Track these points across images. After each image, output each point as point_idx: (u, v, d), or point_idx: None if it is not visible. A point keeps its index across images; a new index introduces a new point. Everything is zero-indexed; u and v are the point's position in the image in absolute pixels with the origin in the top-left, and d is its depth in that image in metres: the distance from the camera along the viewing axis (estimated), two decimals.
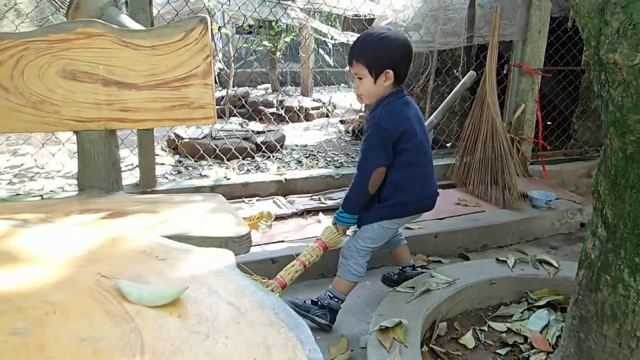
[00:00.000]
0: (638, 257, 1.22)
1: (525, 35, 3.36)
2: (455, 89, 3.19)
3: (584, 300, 1.37)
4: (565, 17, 3.74)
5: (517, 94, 3.45)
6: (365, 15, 3.83)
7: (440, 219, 2.65)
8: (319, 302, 1.89)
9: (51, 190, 2.85)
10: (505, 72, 3.47)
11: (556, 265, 1.99)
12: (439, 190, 2.79)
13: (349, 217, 1.89)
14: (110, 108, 1.60)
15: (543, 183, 3.26)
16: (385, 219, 1.87)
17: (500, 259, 2.04)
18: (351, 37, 3.69)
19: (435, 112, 3.18)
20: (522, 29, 3.36)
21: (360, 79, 1.82)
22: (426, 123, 3.15)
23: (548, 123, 4.25)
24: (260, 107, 6.20)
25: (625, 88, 1.13)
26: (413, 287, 1.81)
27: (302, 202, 2.84)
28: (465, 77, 3.18)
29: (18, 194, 2.58)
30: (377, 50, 1.77)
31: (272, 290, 1.84)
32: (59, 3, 2.11)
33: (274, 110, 6.54)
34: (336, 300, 1.88)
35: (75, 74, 1.56)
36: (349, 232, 2.05)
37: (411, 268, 2.15)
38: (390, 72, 1.77)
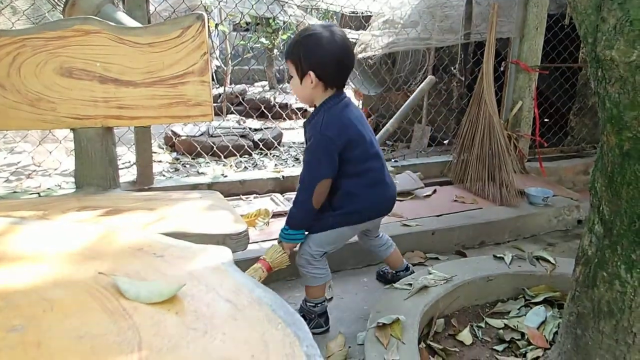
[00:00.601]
0: (634, 253, 1.23)
1: (522, 32, 3.37)
2: (413, 95, 3.20)
3: (580, 296, 1.37)
4: (563, 14, 3.74)
5: (514, 91, 3.45)
6: (362, 13, 3.83)
7: (438, 216, 2.65)
8: (305, 316, 1.84)
9: (48, 188, 2.84)
10: (502, 69, 3.48)
11: (553, 261, 2.00)
12: (436, 187, 2.79)
13: (295, 233, 1.75)
14: (107, 105, 1.60)
15: (540, 180, 3.27)
16: (339, 227, 1.77)
17: (498, 255, 2.05)
18: (348, 34, 3.68)
19: (391, 120, 3.18)
20: (519, 26, 3.36)
21: (291, 77, 1.73)
22: (381, 132, 3.17)
23: (545, 120, 4.26)
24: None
25: (622, 85, 1.13)
26: (410, 284, 1.82)
27: None
28: (423, 83, 3.18)
29: (15, 192, 2.58)
30: (302, 50, 1.65)
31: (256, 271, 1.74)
32: (56, 0, 2.10)
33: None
34: (317, 305, 1.84)
35: (72, 72, 1.55)
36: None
37: (404, 271, 2.10)
38: (312, 74, 1.64)
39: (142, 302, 0.62)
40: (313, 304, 1.84)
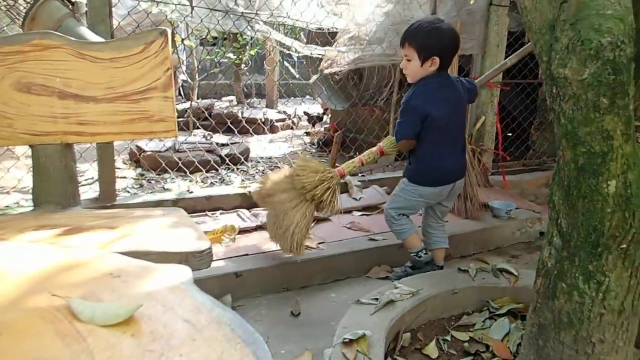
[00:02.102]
0: (591, 264, 1.26)
1: (484, 50, 3.45)
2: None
3: (541, 308, 1.40)
4: (523, 32, 3.86)
5: (477, 106, 3.53)
6: (328, 29, 3.87)
7: None
8: (415, 266, 2.27)
9: (6, 206, 2.76)
10: None
11: (516, 273, 2.03)
12: None
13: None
14: (66, 121, 1.57)
15: (503, 193, 3.33)
16: (411, 181, 2.18)
17: (462, 268, 2.07)
18: (314, 50, 3.71)
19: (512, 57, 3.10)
20: (481, 43, 3.45)
21: (408, 60, 2.07)
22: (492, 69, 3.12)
23: (508, 134, 4.36)
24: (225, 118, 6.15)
25: (575, 102, 1.17)
26: (377, 299, 1.82)
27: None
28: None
29: None
30: (429, 38, 2.01)
31: (332, 177, 2.18)
32: (15, 14, 2.06)
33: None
34: (420, 254, 2.24)
35: (30, 87, 1.52)
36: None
37: (439, 268, 2.32)
38: (437, 59, 2.02)
39: (97, 324, 0.61)
40: (415, 254, 2.25)
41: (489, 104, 3.49)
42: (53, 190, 1.59)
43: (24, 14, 2.05)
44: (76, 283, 0.71)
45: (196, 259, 1.25)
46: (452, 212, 2.96)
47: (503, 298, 1.96)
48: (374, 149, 2.23)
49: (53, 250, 0.83)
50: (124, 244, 1.25)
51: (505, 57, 3.51)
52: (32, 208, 1.63)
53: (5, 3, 2.01)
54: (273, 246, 2.42)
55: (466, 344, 1.77)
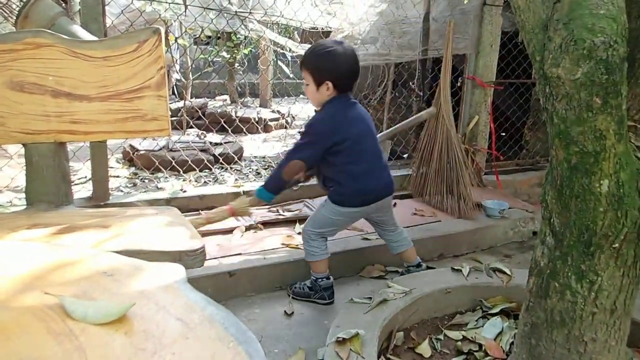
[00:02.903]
0: (584, 264, 1.27)
1: (477, 49, 3.46)
2: (409, 119, 3.25)
3: (534, 307, 1.40)
4: (516, 32, 3.87)
5: (470, 106, 3.54)
6: (322, 28, 3.87)
7: None
8: (312, 287, 2.16)
9: None
10: (459, 84, 3.56)
11: (509, 273, 2.04)
12: (396, 200, 2.85)
13: (267, 194, 2.07)
14: (59, 120, 1.56)
15: (497, 193, 3.35)
16: (333, 203, 2.07)
17: (455, 268, 2.08)
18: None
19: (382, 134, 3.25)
20: (475, 43, 3.46)
21: (307, 85, 2.02)
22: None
23: (501, 134, 4.38)
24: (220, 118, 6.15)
25: (568, 101, 1.18)
26: (370, 298, 1.82)
27: (260, 214, 2.82)
28: (424, 112, 3.22)
29: None
30: (321, 62, 1.97)
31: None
32: (7, 12, 2.04)
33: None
34: (322, 279, 2.14)
35: (22, 85, 1.51)
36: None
37: (415, 267, 2.29)
38: (330, 84, 1.96)
39: (89, 323, 0.60)
40: (315, 278, 2.15)
41: (483, 104, 3.50)
42: (46, 189, 1.58)
43: (16, 12, 2.04)
44: (68, 282, 0.70)
45: (189, 258, 1.25)
46: (446, 211, 2.97)
47: (496, 297, 1.96)
48: (223, 207, 2.09)
49: (46, 248, 0.82)
50: (117, 242, 1.24)
51: (499, 57, 3.53)
52: (25, 207, 1.62)
53: None
54: (266, 245, 2.42)
55: (459, 343, 1.77)
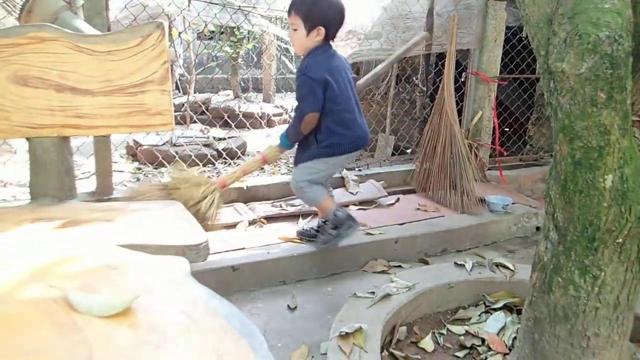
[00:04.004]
0: (587, 259, 1.26)
1: (481, 44, 3.45)
2: (405, 46, 3.24)
3: (537, 302, 1.40)
4: (520, 27, 3.85)
5: (474, 101, 3.53)
6: None
7: (401, 224, 2.68)
8: (336, 225, 2.21)
9: (3, 199, 2.75)
10: (463, 79, 3.55)
11: (512, 268, 2.04)
12: (399, 196, 2.87)
13: (289, 145, 2.25)
14: (63, 114, 1.56)
15: (500, 188, 3.34)
16: (322, 157, 2.15)
17: (459, 263, 2.08)
18: None
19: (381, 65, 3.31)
20: (479, 38, 3.44)
21: (295, 30, 2.06)
22: (369, 74, 3.26)
23: (505, 129, 4.36)
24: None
25: (572, 96, 1.17)
26: (373, 293, 1.83)
27: (263, 208, 2.82)
28: (417, 37, 3.21)
29: None
30: (314, 7, 2.00)
31: (214, 190, 2.17)
32: (11, 6, 2.04)
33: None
34: (338, 211, 2.22)
35: (27, 80, 1.51)
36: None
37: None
38: (322, 30, 2.03)
39: (94, 316, 0.61)
40: (333, 214, 2.21)
41: (486, 99, 3.49)
42: (50, 183, 1.58)
43: (20, 7, 2.04)
44: (73, 275, 0.71)
45: (193, 252, 1.25)
46: (449, 206, 2.97)
47: (499, 292, 1.97)
48: (257, 157, 2.29)
49: (49, 242, 0.83)
50: (121, 236, 1.24)
51: (503, 52, 3.52)
52: (29, 201, 1.62)
53: None
54: (269, 240, 2.42)
55: (462, 338, 1.77)
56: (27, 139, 1.57)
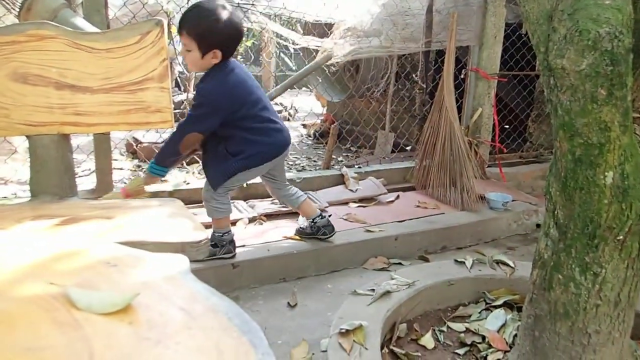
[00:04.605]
0: (588, 256, 1.26)
1: (481, 41, 3.45)
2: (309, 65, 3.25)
3: (538, 299, 1.40)
4: (520, 24, 3.85)
5: (474, 98, 3.52)
6: (325, 20, 3.86)
7: (401, 221, 2.68)
8: (217, 244, 2.14)
9: (3, 197, 2.75)
10: (462, 76, 3.55)
11: (512, 265, 2.04)
12: (399, 193, 2.87)
13: (160, 169, 2.01)
14: (63, 112, 1.56)
15: (500, 185, 3.34)
16: (241, 170, 2.07)
17: (459, 260, 2.08)
18: (311, 42, 3.70)
19: (277, 88, 3.36)
20: (478, 35, 3.44)
21: (188, 51, 1.90)
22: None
23: (505, 126, 4.36)
24: None
25: (572, 93, 1.17)
26: (373, 290, 1.83)
27: (263, 206, 2.82)
28: (319, 58, 3.20)
29: None
30: (208, 30, 1.86)
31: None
32: (10, 4, 2.04)
33: None
34: (227, 233, 2.16)
35: (26, 77, 1.51)
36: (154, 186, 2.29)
37: (320, 217, 2.36)
38: (219, 52, 1.90)
39: (94, 313, 0.61)
40: (221, 234, 2.15)
41: (486, 96, 3.48)
42: (50, 181, 1.58)
43: (19, 5, 2.04)
44: (72, 271, 0.71)
45: (193, 250, 1.25)
46: (449, 204, 2.97)
47: (499, 289, 1.97)
48: (117, 191, 2.19)
49: (49, 239, 0.83)
50: (120, 234, 1.24)
51: (503, 49, 3.51)
52: (29, 199, 1.62)
53: None
54: (269, 237, 2.42)
55: (462, 335, 1.78)
56: (27, 136, 1.57)
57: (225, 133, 2.03)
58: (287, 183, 2.34)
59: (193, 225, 1.34)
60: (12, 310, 0.60)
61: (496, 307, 1.90)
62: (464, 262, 2.05)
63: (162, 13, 4.03)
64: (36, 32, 1.52)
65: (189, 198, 2.75)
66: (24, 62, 1.51)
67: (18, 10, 2.02)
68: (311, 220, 2.35)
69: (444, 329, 1.83)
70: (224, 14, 1.87)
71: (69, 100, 1.55)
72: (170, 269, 0.72)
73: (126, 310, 0.61)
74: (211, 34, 1.86)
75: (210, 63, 1.93)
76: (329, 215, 2.43)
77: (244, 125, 2.01)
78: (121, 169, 4.01)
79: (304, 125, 6.57)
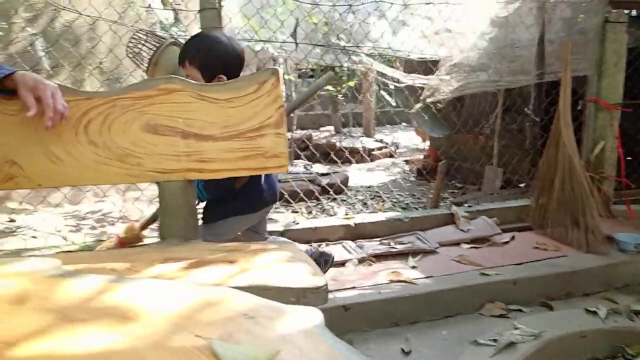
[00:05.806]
0: None
1: (600, 69, 3.24)
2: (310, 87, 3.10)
3: None
4: None
5: (594, 130, 3.30)
6: (430, 57, 3.83)
7: (518, 264, 2.52)
8: None
9: None
10: (579, 108, 3.34)
11: None
12: (514, 234, 2.73)
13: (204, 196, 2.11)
14: (188, 159, 1.65)
15: (629, 224, 3.06)
16: (245, 213, 2.13)
17: (590, 309, 1.90)
18: (416, 80, 3.68)
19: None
20: (596, 63, 3.24)
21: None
22: None
23: (631, 160, 4.03)
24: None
25: None
26: (496, 340, 1.72)
27: (372, 246, 2.80)
28: (320, 79, 3.06)
29: (100, 240, 2.69)
30: (211, 56, 1.92)
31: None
32: (139, 60, 2.24)
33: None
34: None
35: (157, 128, 1.62)
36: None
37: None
38: (224, 77, 1.92)
39: None
40: None
41: (608, 128, 3.24)
42: (177, 224, 1.68)
43: (147, 60, 2.22)
44: (214, 323, 0.72)
45: (313, 295, 1.25)
46: (571, 245, 2.76)
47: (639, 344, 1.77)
48: (113, 239, 2.23)
49: (185, 287, 0.86)
50: (243, 278, 1.27)
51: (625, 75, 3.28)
52: (154, 239, 1.73)
53: (131, 51, 2.20)
54: (379, 279, 2.39)
55: None
56: (157, 183, 1.68)
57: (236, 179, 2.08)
58: (266, 231, 2.40)
59: (312, 270, 1.35)
60: None
61: None
62: (596, 312, 1.88)
63: (270, 60, 4.22)
64: (165, 86, 1.63)
65: (299, 238, 2.81)
66: (155, 114, 1.62)
67: (146, 65, 2.20)
68: None
69: None
70: (223, 40, 1.96)
71: (194, 148, 1.65)
72: (307, 323, 0.72)
73: None
74: (213, 60, 1.93)
75: None
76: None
77: None
78: None
79: (407, 161, 6.51)
